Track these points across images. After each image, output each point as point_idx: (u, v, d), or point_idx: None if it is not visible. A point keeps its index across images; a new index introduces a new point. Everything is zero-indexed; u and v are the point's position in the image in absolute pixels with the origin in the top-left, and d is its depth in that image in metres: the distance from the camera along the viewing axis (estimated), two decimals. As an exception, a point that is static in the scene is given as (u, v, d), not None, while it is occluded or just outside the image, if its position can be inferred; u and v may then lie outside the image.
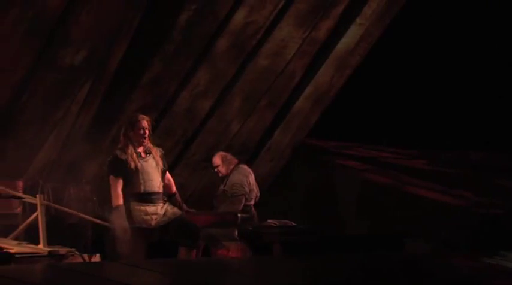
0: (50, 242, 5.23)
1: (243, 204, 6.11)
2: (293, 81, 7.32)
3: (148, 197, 5.22)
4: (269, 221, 6.26)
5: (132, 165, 5.17)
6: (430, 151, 8.41)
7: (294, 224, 6.26)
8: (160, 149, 5.47)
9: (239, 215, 5.99)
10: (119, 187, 5.16)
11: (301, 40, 6.98)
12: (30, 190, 5.91)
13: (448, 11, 8.23)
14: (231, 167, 6.21)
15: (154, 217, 5.23)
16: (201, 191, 7.45)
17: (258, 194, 6.30)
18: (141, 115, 5.36)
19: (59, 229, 5.64)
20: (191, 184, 7.38)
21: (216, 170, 6.26)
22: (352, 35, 7.18)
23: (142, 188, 5.21)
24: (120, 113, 6.65)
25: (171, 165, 7.13)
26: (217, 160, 6.27)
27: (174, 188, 5.57)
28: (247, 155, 7.56)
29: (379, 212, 7.31)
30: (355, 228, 7.26)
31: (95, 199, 6.14)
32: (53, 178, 6.34)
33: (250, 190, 6.20)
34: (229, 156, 6.30)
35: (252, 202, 6.15)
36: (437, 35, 8.36)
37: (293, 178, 7.85)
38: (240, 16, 6.59)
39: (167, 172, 5.51)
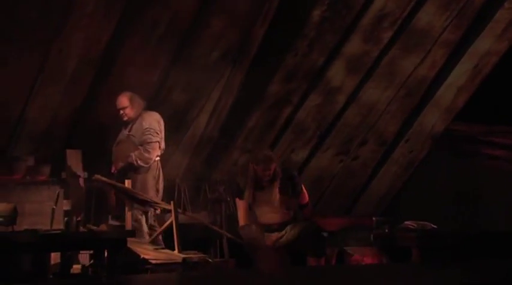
0: (184, 246, 5.31)
1: (157, 153, 5.49)
2: (433, 71, 6.91)
3: (268, 228, 5.17)
4: (406, 223, 5.93)
5: (250, 200, 5.11)
6: None
7: (434, 226, 5.94)
8: (291, 173, 5.28)
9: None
10: (242, 208, 5.16)
11: (442, 29, 6.55)
12: (167, 190, 6.03)
13: None
14: (139, 110, 5.56)
15: (273, 237, 5.16)
16: (336, 187, 7.30)
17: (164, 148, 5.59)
18: (269, 156, 5.09)
19: (193, 232, 5.74)
20: (325, 179, 7.24)
21: (122, 112, 5.53)
22: (499, 19, 6.63)
23: (261, 220, 5.17)
24: (254, 110, 6.64)
25: (305, 160, 7.07)
26: (124, 100, 5.50)
27: (306, 200, 5.32)
28: (384, 148, 7.30)
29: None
30: (505, 230, 6.74)
31: (229, 199, 6.16)
32: (188, 178, 6.45)
33: (161, 139, 5.60)
34: (137, 97, 5.60)
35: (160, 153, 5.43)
36: None
37: (434, 172, 7.43)
38: (375, 8, 6.29)
39: (303, 189, 5.26)
